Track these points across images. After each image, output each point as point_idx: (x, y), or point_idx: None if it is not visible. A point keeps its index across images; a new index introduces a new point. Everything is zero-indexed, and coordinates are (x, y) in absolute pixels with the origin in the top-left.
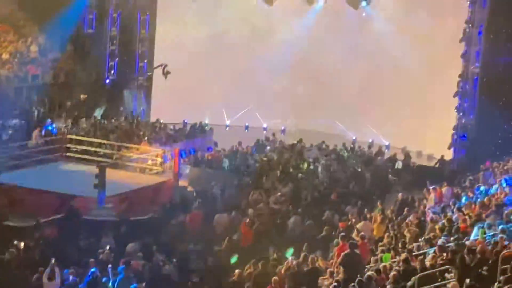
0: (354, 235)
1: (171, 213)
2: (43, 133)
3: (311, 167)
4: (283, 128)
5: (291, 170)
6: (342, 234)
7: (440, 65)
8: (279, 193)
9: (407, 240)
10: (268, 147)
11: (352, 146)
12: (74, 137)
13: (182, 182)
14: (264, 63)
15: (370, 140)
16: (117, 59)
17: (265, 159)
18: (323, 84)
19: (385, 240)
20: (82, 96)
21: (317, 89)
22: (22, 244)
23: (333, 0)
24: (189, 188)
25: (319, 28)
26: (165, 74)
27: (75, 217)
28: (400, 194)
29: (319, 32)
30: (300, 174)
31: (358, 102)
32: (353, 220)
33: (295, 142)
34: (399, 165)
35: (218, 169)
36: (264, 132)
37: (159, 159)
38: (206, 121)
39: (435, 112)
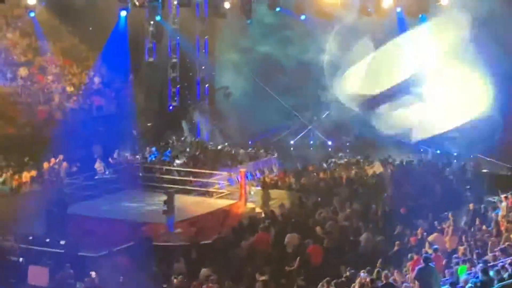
0: (426, 248)
1: (240, 236)
2: (110, 162)
3: (379, 181)
4: (348, 143)
5: (358, 186)
6: (415, 248)
7: None
8: (348, 210)
9: (482, 251)
10: (332, 164)
11: (420, 158)
12: (141, 165)
13: (249, 204)
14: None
15: (438, 151)
16: (178, 85)
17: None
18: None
19: (460, 252)
20: (147, 125)
21: None
22: (95, 274)
23: None
24: (257, 210)
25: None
26: (227, 96)
27: (146, 244)
28: (471, 205)
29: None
30: (368, 190)
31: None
32: (425, 233)
33: (360, 157)
34: (469, 174)
35: (285, 189)
36: (329, 149)
37: (225, 182)
38: (270, 142)
39: None
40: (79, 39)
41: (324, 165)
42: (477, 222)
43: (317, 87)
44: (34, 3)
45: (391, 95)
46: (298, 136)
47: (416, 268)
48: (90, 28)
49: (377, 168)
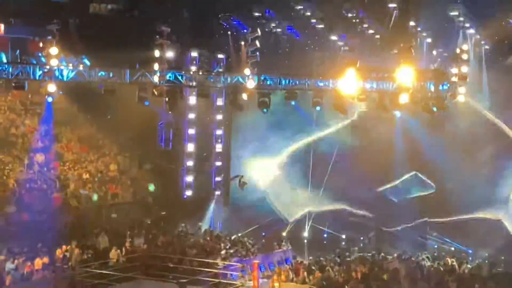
0: None
1: None
2: (123, 250)
3: (393, 277)
4: (367, 236)
5: (373, 281)
6: None
7: None
8: None
9: None
10: (348, 259)
11: (434, 254)
12: (153, 253)
13: None
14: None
15: (452, 248)
16: (194, 174)
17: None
18: None
19: None
20: (161, 213)
21: None
22: None
23: None
24: None
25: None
26: (242, 185)
27: None
28: None
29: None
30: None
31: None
32: None
33: (375, 252)
34: (484, 273)
35: (299, 283)
36: (343, 243)
37: (239, 274)
38: (284, 234)
39: None
40: (96, 127)
41: (338, 259)
42: None
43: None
44: (54, 90)
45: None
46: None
47: None
48: (108, 117)
49: (392, 264)
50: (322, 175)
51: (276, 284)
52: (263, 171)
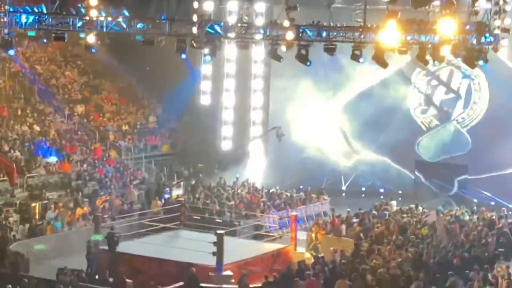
0: None
1: (289, 281)
2: (162, 202)
3: (432, 230)
4: (400, 192)
5: (410, 234)
6: None
7: None
8: (399, 259)
9: None
10: (386, 212)
11: (474, 208)
12: (192, 205)
13: (299, 249)
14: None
15: (492, 203)
16: (232, 127)
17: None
18: None
19: None
20: (199, 165)
21: None
22: None
23: None
24: (307, 255)
25: None
26: (279, 136)
27: (195, 285)
28: None
29: None
30: (420, 239)
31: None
32: (478, 286)
33: (413, 205)
34: None
35: (336, 235)
36: (381, 197)
37: (276, 226)
38: (322, 186)
39: None
40: (136, 79)
41: (375, 212)
42: None
43: (375, 132)
44: (93, 42)
45: None
46: (349, 181)
47: None
48: (148, 68)
49: (431, 217)
50: (365, 128)
51: (314, 236)
52: (303, 123)
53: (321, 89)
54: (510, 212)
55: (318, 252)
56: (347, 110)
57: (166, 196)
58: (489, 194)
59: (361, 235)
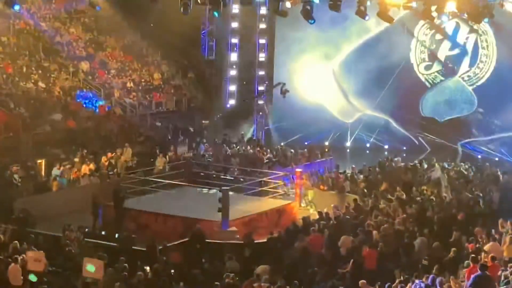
0: (483, 256)
1: (294, 236)
2: (167, 158)
3: (436, 186)
4: (404, 148)
5: (415, 190)
6: (472, 255)
7: None
8: (404, 215)
9: None
10: (390, 168)
11: (478, 164)
12: (197, 162)
13: (304, 205)
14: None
15: (496, 159)
16: (237, 84)
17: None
18: None
19: None
20: (204, 122)
21: None
22: (149, 268)
23: None
24: (312, 211)
25: None
26: (284, 93)
27: (200, 241)
28: None
29: None
30: (424, 195)
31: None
32: (482, 241)
33: (417, 162)
34: None
35: (340, 191)
36: (385, 153)
37: (281, 182)
38: (326, 143)
39: None
40: (141, 36)
41: (377, 168)
42: None
43: (378, 88)
44: None
45: None
46: (352, 137)
47: (472, 275)
48: (152, 25)
49: (435, 173)
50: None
51: (311, 191)
52: (307, 79)
53: (325, 44)
54: None
55: (322, 207)
56: (348, 67)
57: (171, 152)
58: (492, 151)
59: (365, 191)
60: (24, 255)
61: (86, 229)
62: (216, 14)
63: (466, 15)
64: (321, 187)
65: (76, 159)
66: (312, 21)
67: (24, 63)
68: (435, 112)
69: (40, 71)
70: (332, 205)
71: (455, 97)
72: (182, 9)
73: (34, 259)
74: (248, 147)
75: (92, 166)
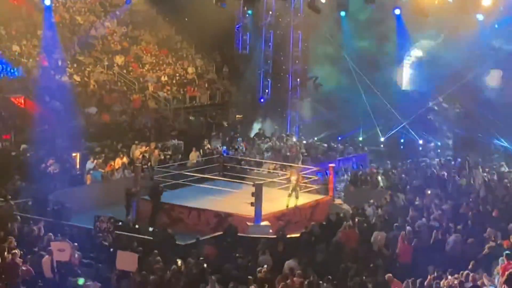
0: None
1: (327, 231)
2: (201, 152)
3: (471, 183)
4: (439, 144)
5: (449, 186)
6: (507, 252)
7: None
8: (439, 211)
9: None
10: (424, 164)
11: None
12: (231, 156)
13: (338, 200)
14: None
15: None
16: (271, 78)
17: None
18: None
19: None
20: (237, 116)
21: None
22: (182, 262)
23: None
24: (345, 206)
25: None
26: (316, 86)
27: (233, 235)
28: None
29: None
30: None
31: None
32: None
33: (451, 158)
34: None
35: (374, 187)
36: (420, 149)
37: (314, 177)
38: (360, 138)
39: None
40: (175, 30)
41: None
42: None
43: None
44: None
45: None
46: (389, 133)
47: (507, 272)
48: (186, 19)
49: (468, 169)
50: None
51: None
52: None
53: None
54: None
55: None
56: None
57: (206, 146)
58: None
59: (400, 187)
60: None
61: (120, 222)
62: (250, 12)
63: None
64: (356, 175)
65: (111, 153)
66: (343, 13)
67: (58, 56)
68: None
69: (75, 65)
70: (370, 201)
71: None
72: (216, 3)
73: (58, 249)
74: (281, 142)
75: (125, 159)
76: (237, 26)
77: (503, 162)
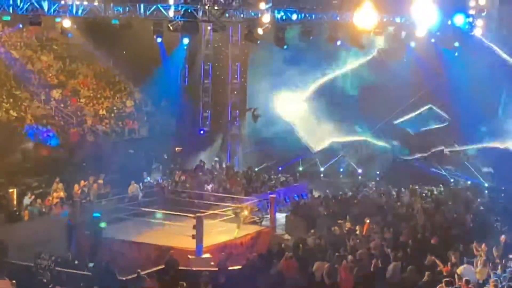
0: (456, 279)
1: (269, 262)
2: (140, 186)
3: (409, 210)
4: (378, 173)
5: (389, 214)
6: (446, 279)
7: None
8: (378, 240)
9: None
10: (363, 192)
11: (451, 187)
12: (171, 188)
13: (279, 231)
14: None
15: (469, 182)
16: (210, 110)
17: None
18: None
19: (491, 285)
20: (177, 148)
21: None
22: None
23: None
24: (286, 236)
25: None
26: (255, 117)
27: (173, 268)
28: (503, 237)
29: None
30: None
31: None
32: (456, 265)
33: (391, 186)
34: (500, 206)
35: (315, 216)
36: (360, 177)
37: (255, 208)
38: (300, 168)
39: None
40: (113, 63)
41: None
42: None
43: (352, 115)
44: (69, 26)
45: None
46: (329, 163)
47: None
48: (124, 52)
49: (408, 197)
50: (343, 109)
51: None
52: (279, 105)
53: (297, 70)
54: (486, 191)
55: (297, 233)
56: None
57: (145, 179)
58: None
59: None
60: None
61: (58, 259)
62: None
63: None
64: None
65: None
66: (286, 46)
67: None
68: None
69: (11, 100)
70: (311, 231)
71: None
72: (154, 36)
73: None
74: (222, 174)
75: (62, 194)
76: (176, 59)
77: (440, 188)
